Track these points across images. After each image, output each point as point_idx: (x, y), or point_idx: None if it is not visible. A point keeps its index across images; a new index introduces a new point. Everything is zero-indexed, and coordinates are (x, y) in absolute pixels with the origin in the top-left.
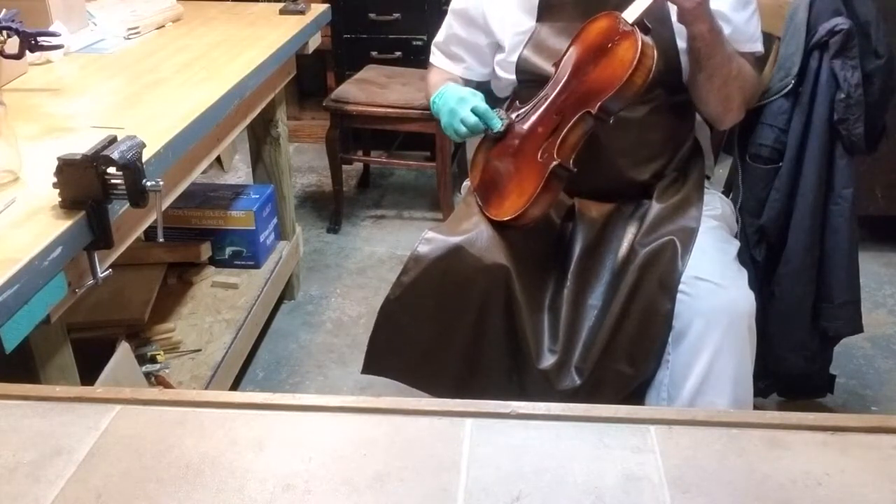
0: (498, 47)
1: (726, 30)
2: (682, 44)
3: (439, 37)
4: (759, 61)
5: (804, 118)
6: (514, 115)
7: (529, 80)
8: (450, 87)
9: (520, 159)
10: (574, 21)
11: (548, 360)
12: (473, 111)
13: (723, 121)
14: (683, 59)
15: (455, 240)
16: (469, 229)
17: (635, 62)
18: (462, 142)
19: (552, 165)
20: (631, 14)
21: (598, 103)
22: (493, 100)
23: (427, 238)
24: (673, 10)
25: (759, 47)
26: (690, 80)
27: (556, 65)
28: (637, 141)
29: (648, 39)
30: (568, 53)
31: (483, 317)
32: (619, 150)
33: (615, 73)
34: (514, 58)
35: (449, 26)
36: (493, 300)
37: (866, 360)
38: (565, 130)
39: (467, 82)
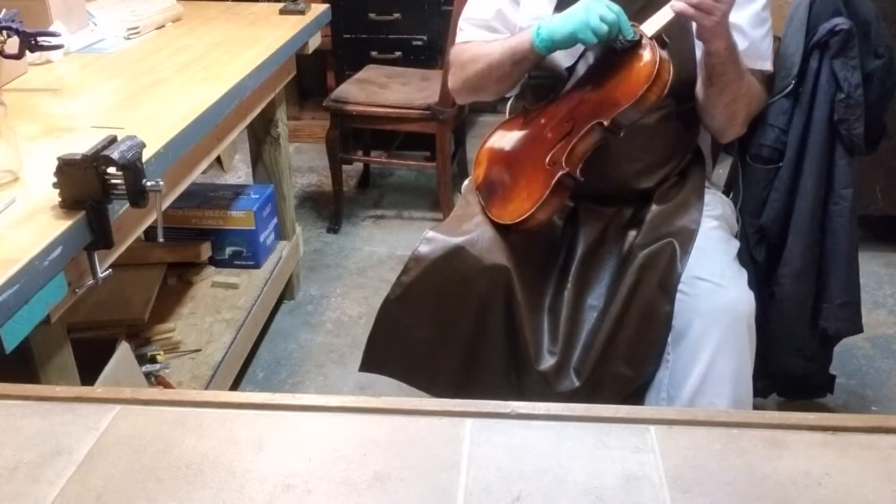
0: None
1: (742, 45)
2: (699, 54)
3: (481, 12)
4: (766, 79)
5: (804, 118)
6: (523, 116)
7: (540, 77)
8: (554, 14)
9: (527, 163)
10: None
11: (547, 362)
12: (610, 8)
13: (725, 135)
14: (700, 71)
15: (456, 240)
16: (470, 230)
17: (653, 77)
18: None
19: (560, 174)
20: (650, 28)
21: (612, 116)
22: (491, 107)
23: (428, 238)
24: (693, 24)
25: (768, 66)
26: (700, 93)
27: (571, 69)
28: (644, 148)
29: (665, 55)
30: (582, 59)
31: (483, 317)
32: (626, 157)
33: (631, 87)
34: None
35: (494, 2)
36: (493, 301)
37: (866, 360)
38: (576, 140)
39: None
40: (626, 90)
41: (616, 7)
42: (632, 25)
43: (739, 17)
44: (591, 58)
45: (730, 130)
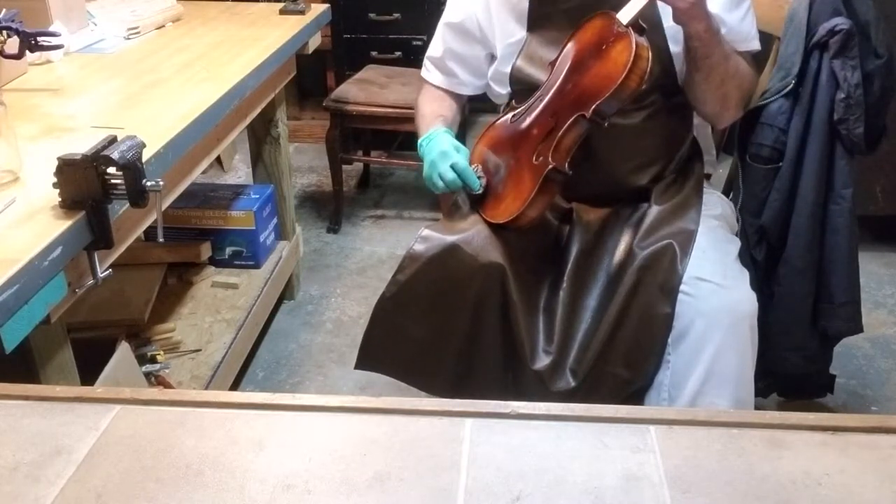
0: (492, 58)
1: (721, 31)
2: (675, 48)
3: (434, 51)
4: (756, 59)
5: (804, 118)
6: (510, 116)
7: (524, 90)
8: (438, 136)
9: (516, 161)
10: (564, 31)
11: (542, 361)
12: (453, 167)
13: (720, 120)
14: (678, 63)
15: (451, 238)
16: (465, 228)
17: (630, 64)
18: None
19: (547, 169)
20: (625, 15)
21: (593, 106)
22: (491, 107)
23: (423, 236)
24: (667, 11)
25: (755, 45)
26: (688, 79)
27: (552, 64)
28: (635, 147)
29: (643, 41)
30: (563, 53)
31: (478, 316)
32: (618, 157)
33: (609, 76)
34: (508, 68)
35: (444, 41)
36: (489, 300)
37: (866, 360)
38: (560, 134)
39: (459, 96)
40: (605, 79)
41: (461, 164)
42: (608, 14)
43: (713, 4)
44: (571, 51)
45: (725, 115)
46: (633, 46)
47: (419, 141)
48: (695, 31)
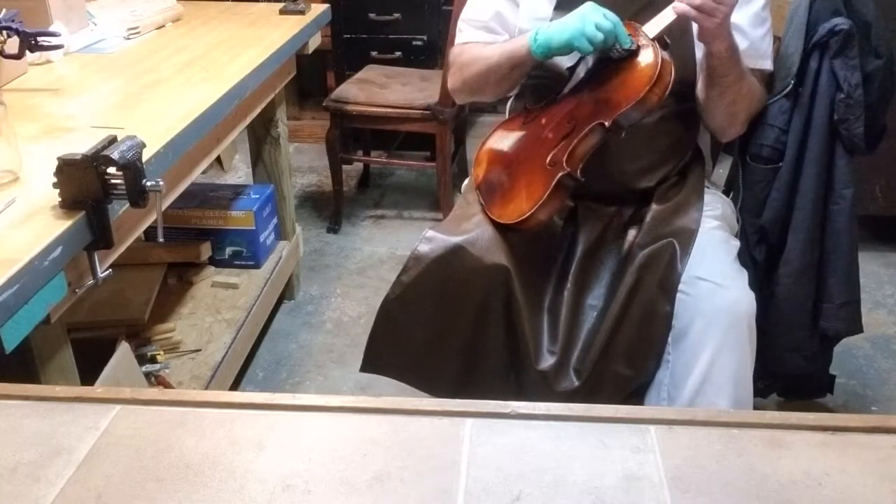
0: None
1: (742, 44)
2: (700, 55)
3: (479, 14)
4: (766, 78)
5: (804, 118)
6: (523, 115)
7: (539, 76)
8: (555, 20)
9: (527, 163)
10: None
11: (546, 361)
12: (605, 17)
13: (725, 134)
14: (700, 70)
15: (456, 240)
16: (470, 229)
17: (654, 79)
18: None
19: (560, 175)
20: (652, 29)
21: (613, 117)
22: (490, 106)
23: (428, 237)
24: (694, 25)
25: (768, 65)
26: (701, 94)
27: (572, 69)
28: (645, 148)
29: (667, 56)
30: (584, 60)
31: (482, 317)
32: (627, 157)
33: (633, 88)
34: None
35: (493, 3)
36: (493, 301)
37: (866, 360)
38: (576, 140)
39: None
40: (627, 91)
41: (613, 16)
42: (633, 25)
43: (739, 17)
44: (592, 59)
45: (730, 130)
46: (659, 62)
47: (532, 36)
48: (716, 51)
